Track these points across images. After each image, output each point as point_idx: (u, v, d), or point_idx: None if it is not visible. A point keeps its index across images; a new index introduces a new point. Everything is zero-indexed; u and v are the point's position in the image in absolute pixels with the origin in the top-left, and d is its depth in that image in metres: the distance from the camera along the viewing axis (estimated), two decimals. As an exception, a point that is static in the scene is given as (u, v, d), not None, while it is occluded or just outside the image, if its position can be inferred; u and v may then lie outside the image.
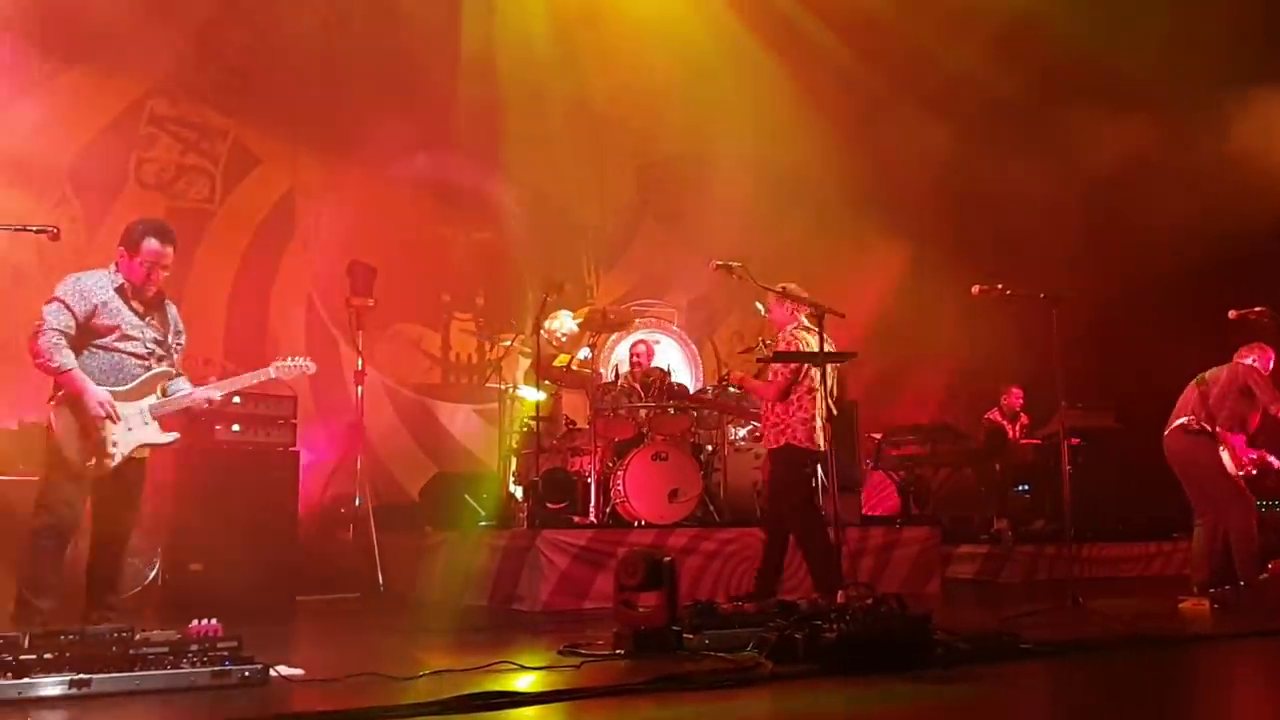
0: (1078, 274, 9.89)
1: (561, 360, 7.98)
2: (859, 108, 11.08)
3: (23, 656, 4.18)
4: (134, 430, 5.39)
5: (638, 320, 9.34)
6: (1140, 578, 9.93)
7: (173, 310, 5.70)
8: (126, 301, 5.43)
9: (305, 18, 10.08)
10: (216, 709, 3.95)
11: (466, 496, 8.86)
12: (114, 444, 5.32)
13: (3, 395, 8.13)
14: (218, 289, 9.88)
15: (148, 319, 5.52)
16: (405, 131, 10.50)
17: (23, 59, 9.08)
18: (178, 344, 5.67)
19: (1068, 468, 7.31)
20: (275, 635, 6.22)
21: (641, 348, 8.99)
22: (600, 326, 8.48)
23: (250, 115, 10.09)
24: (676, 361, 9.60)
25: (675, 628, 5.31)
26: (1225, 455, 7.34)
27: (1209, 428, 7.36)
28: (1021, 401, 10.85)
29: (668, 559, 5.39)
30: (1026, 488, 10.55)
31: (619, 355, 9.33)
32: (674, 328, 9.91)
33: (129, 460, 5.43)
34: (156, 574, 7.88)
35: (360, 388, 9.25)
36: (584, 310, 8.66)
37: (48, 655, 4.23)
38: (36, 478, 5.63)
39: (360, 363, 9.25)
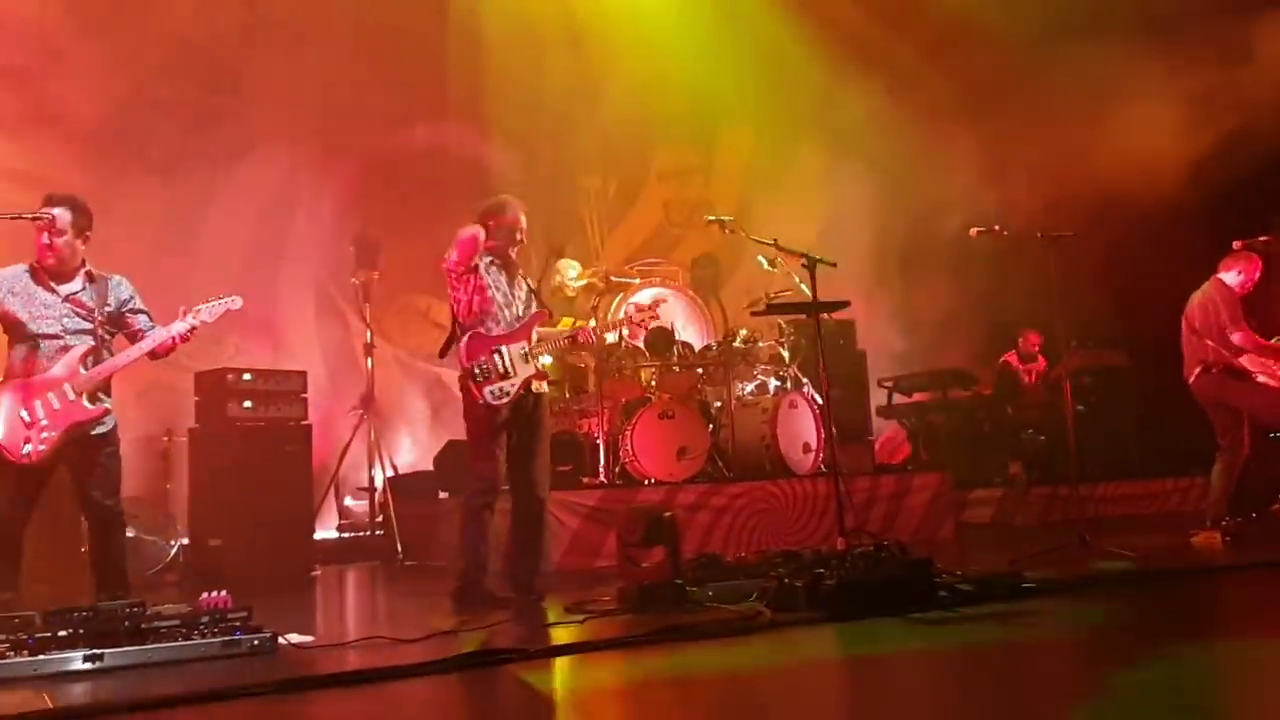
0: (1084, 209, 9.84)
1: (565, 324, 7.99)
2: (860, 52, 10.99)
3: (38, 634, 4.30)
4: (61, 409, 5.21)
5: (641, 280, 9.33)
6: (1157, 514, 9.95)
7: (115, 281, 5.51)
8: (39, 281, 5.32)
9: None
10: (225, 677, 4.03)
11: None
12: (44, 426, 5.18)
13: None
14: (226, 267, 9.93)
15: (68, 294, 5.35)
16: (403, 103, 10.55)
17: (22, 49, 9.14)
18: (120, 313, 5.46)
19: (1077, 407, 7.32)
20: (291, 605, 6.36)
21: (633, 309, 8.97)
22: (604, 290, 8.49)
23: (249, 95, 10.11)
24: (684, 318, 9.61)
25: (679, 581, 5.39)
26: (1262, 377, 7.29)
27: (1233, 364, 7.32)
28: (1039, 345, 10.79)
29: (668, 514, 5.45)
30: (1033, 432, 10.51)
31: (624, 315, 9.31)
32: (679, 285, 9.91)
33: (72, 440, 5.25)
34: (178, 550, 8.03)
35: (370, 360, 9.34)
36: (585, 274, 8.66)
37: (62, 632, 4.34)
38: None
39: (369, 335, 9.33)
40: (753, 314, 7.72)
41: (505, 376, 5.82)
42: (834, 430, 8.68)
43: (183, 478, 8.24)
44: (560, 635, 4.70)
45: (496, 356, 5.82)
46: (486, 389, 5.77)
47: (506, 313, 5.94)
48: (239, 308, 5.59)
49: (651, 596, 5.28)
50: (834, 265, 5.92)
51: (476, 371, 5.78)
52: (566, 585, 6.43)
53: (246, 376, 8.01)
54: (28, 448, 5.16)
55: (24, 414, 5.17)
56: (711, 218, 6.61)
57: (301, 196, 10.36)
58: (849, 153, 11.44)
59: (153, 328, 5.50)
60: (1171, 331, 7.81)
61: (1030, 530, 9.23)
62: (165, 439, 8.54)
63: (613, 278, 8.30)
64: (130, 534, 7.74)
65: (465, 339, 5.83)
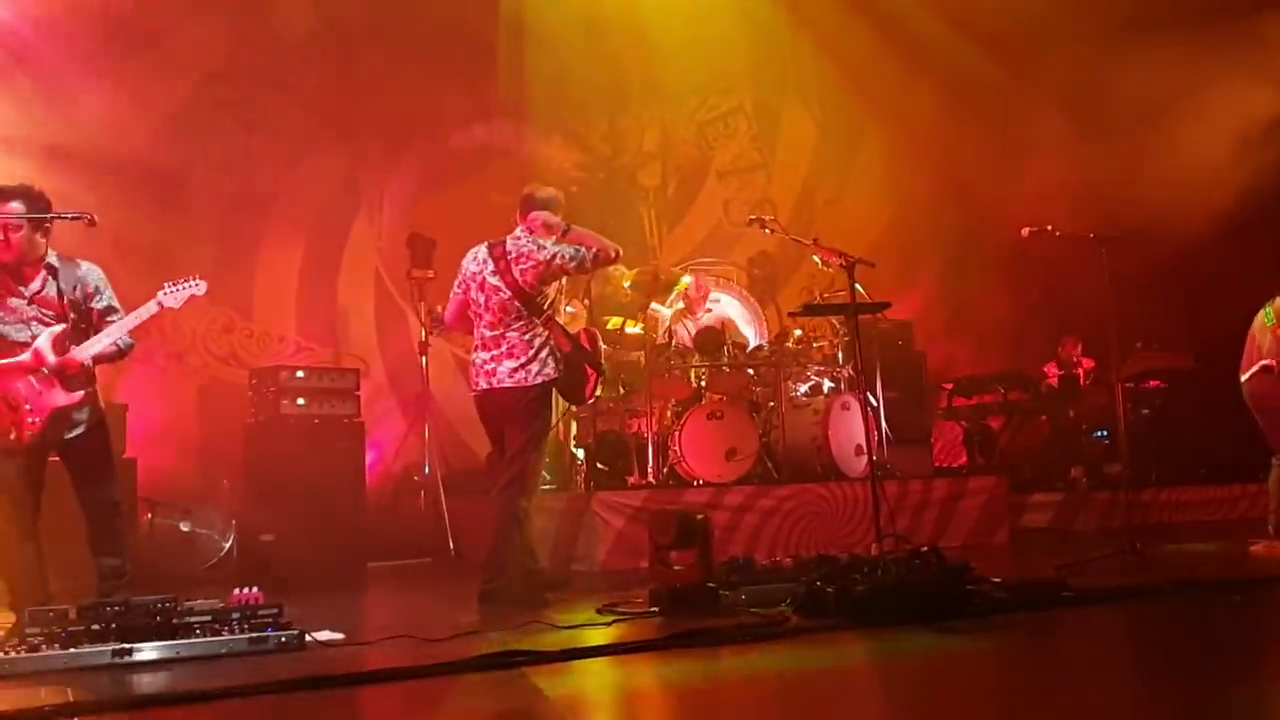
0: (1152, 211, 9.61)
1: (614, 323, 8.01)
2: (918, 50, 10.85)
3: (71, 628, 4.40)
4: (44, 395, 5.19)
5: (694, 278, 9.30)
6: (1222, 521, 9.65)
7: (84, 270, 5.44)
8: (1, 284, 5.26)
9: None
10: (248, 673, 4.09)
11: (531, 460, 8.96)
12: (29, 411, 5.17)
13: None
14: (287, 267, 10.12)
15: (32, 294, 5.29)
16: (463, 102, 10.63)
17: (90, 50, 9.37)
18: (88, 308, 5.40)
19: (1141, 410, 7.14)
20: (334, 601, 6.43)
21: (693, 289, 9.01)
22: (651, 289, 8.46)
23: (310, 94, 10.26)
24: (738, 318, 9.57)
25: (711, 585, 5.35)
26: None
27: None
28: (1079, 351, 10.56)
29: (700, 517, 5.41)
30: (1105, 433, 10.27)
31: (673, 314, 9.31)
32: (734, 284, 9.86)
33: (58, 428, 5.26)
34: (231, 545, 8.18)
35: (425, 358, 9.43)
36: (633, 273, 8.64)
37: (95, 626, 4.44)
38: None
39: (424, 333, 9.42)
40: (789, 315, 7.64)
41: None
42: (886, 432, 8.66)
43: (238, 473, 8.38)
44: (586, 637, 4.69)
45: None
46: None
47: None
48: (203, 293, 5.50)
49: (682, 599, 5.25)
50: (873, 265, 5.83)
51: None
52: (609, 586, 6.42)
53: (300, 374, 8.13)
54: (13, 433, 5.16)
55: (10, 398, 5.16)
56: (753, 217, 6.56)
57: (361, 195, 10.50)
58: (913, 152, 11.28)
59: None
60: (1242, 335, 7.59)
61: (1089, 536, 9.02)
62: (223, 436, 8.67)
63: (661, 277, 8.23)
64: (185, 529, 8.02)
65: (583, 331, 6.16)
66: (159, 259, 7.08)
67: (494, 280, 6.05)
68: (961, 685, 3.87)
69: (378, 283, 10.61)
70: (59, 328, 5.28)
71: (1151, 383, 10.15)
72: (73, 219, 5.21)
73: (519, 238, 6.09)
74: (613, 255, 6.08)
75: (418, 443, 9.52)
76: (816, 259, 8.45)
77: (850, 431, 8.44)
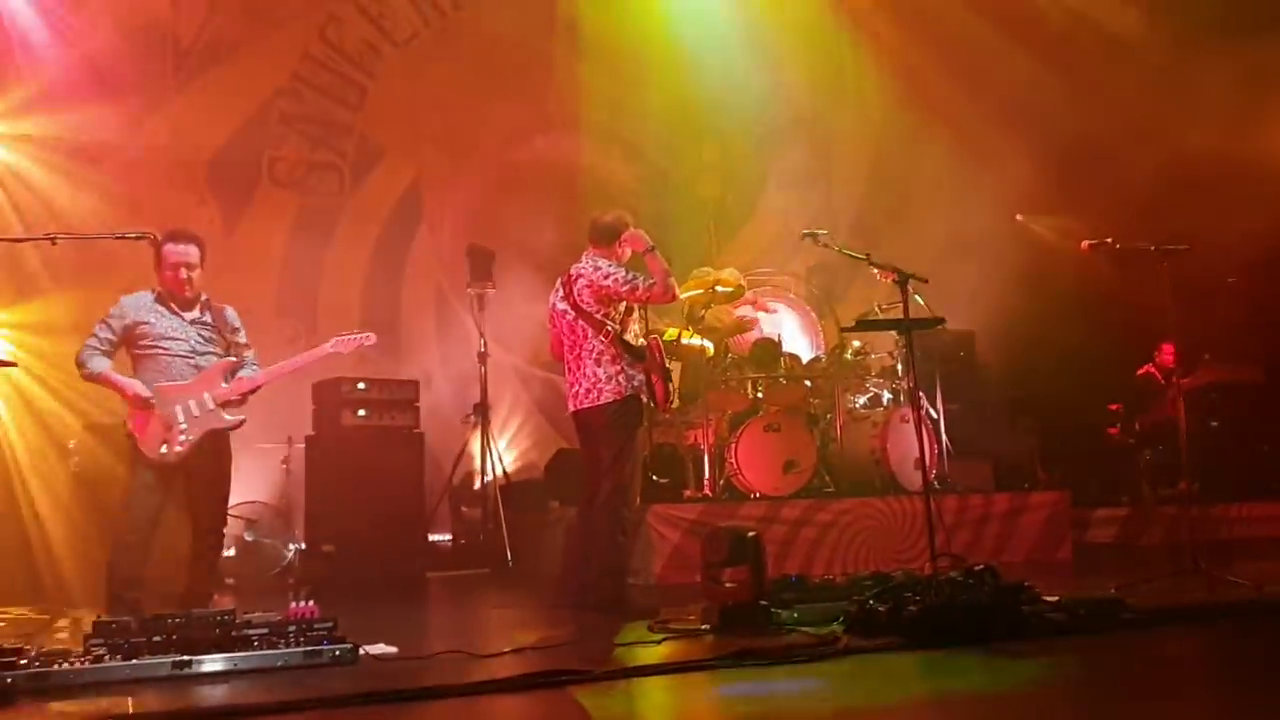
0: (1223, 224, 9.41)
1: (670, 334, 8.00)
2: (975, 60, 10.73)
3: (132, 639, 4.51)
4: (200, 416, 5.70)
5: (753, 290, 9.27)
6: (1292, 538, 9.42)
7: (229, 312, 6.02)
8: (166, 307, 5.79)
9: (422, 8, 10.40)
10: (302, 687, 4.16)
11: (589, 471, 8.99)
12: (183, 431, 5.66)
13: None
14: (351, 279, 10.29)
15: (193, 320, 5.85)
16: (523, 115, 10.75)
17: (160, 67, 9.61)
18: (232, 341, 5.96)
19: (1210, 423, 6.98)
20: (392, 613, 6.50)
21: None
22: (708, 300, 8.44)
23: (374, 109, 10.43)
24: (794, 329, 9.52)
25: (763, 602, 5.33)
26: None
27: None
28: (1175, 354, 10.31)
29: (752, 534, 5.40)
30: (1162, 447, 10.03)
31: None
32: (791, 295, 9.81)
33: (203, 446, 5.72)
34: (294, 555, 8.31)
35: (484, 368, 9.51)
36: (690, 284, 8.62)
37: (156, 638, 4.54)
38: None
39: (483, 344, 9.50)
40: (843, 330, 7.60)
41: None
42: (947, 445, 8.57)
43: (300, 484, 8.52)
44: (636, 655, 4.70)
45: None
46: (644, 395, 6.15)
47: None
48: (371, 344, 6.12)
49: (733, 617, 5.23)
50: (925, 281, 5.79)
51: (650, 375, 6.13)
52: (664, 600, 6.43)
53: (361, 385, 8.26)
54: (164, 448, 5.62)
55: (166, 417, 5.64)
56: (806, 231, 6.53)
57: (424, 208, 10.63)
58: (974, 163, 11.15)
59: (254, 365, 5.98)
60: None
61: (1154, 551, 8.85)
62: (285, 447, 8.81)
63: (718, 288, 8.21)
64: (249, 538, 8.16)
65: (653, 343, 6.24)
66: (225, 273, 7.24)
67: (561, 305, 6.31)
68: (1019, 716, 3.80)
69: (438, 294, 10.73)
70: (230, 359, 5.86)
71: (1218, 395, 9.93)
72: (136, 239, 5.43)
73: (582, 262, 6.27)
74: (667, 297, 6.17)
75: (476, 453, 9.59)
76: (875, 271, 8.42)
77: (910, 444, 8.33)
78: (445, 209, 10.71)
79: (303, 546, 8.33)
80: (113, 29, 9.17)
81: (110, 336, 5.72)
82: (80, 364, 5.70)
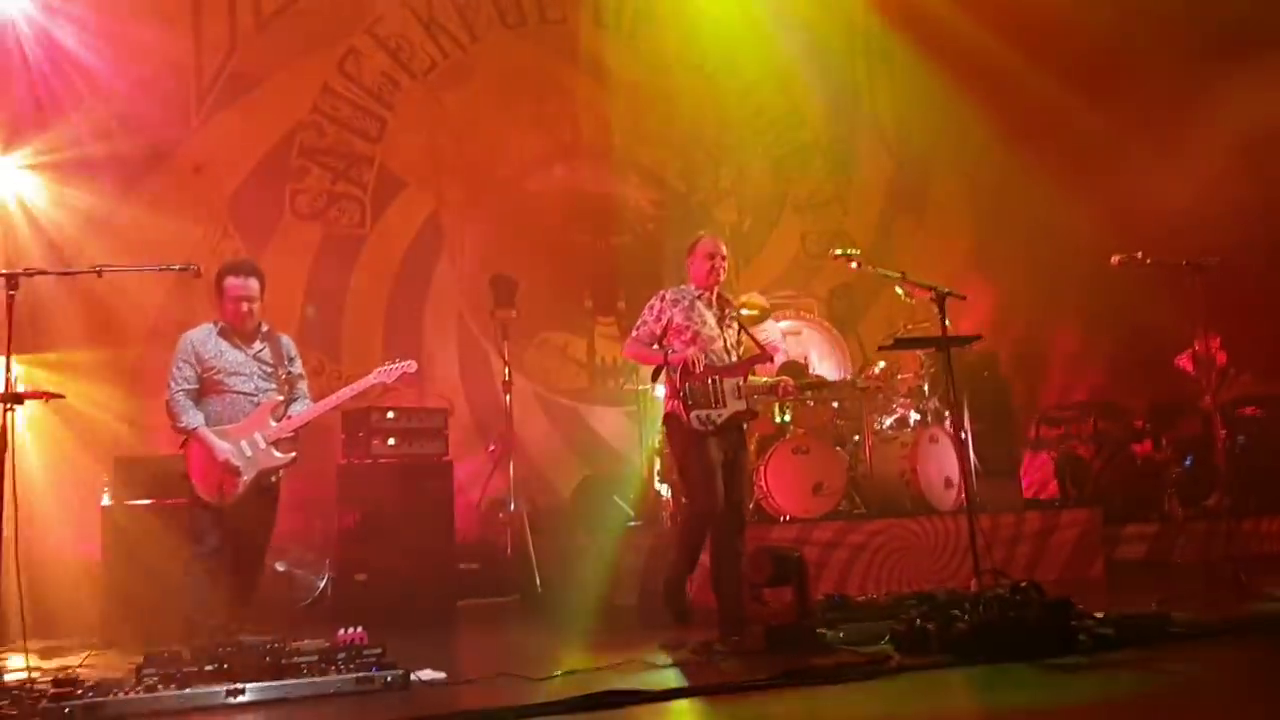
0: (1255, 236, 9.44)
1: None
2: (994, 78, 10.78)
3: (185, 668, 4.51)
4: (253, 457, 5.77)
5: (775, 312, 9.29)
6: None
7: (285, 341, 6.10)
8: (229, 340, 5.86)
9: (439, 39, 10.49)
10: (357, 714, 4.15)
11: (615, 498, 9.01)
12: (239, 474, 5.72)
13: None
14: (374, 309, 10.29)
15: (254, 353, 5.92)
16: (541, 144, 10.80)
17: (183, 103, 9.68)
18: (288, 371, 6.02)
19: (1238, 437, 6.96)
20: (431, 640, 6.49)
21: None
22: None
23: (394, 141, 10.48)
24: (820, 351, 9.53)
25: (808, 622, 5.33)
26: None
27: None
28: (1218, 344, 10.04)
29: (795, 554, 5.40)
30: (1190, 461, 9.97)
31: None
32: (815, 317, 9.82)
33: (256, 485, 5.79)
34: (326, 585, 8.30)
35: (508, 396, 9.52)
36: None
37: (208, 667, 4.54)
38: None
39: (507, 372, 9.51)
40: (880, 349, 7.61)
41: (715, 405, 6.02)
42: (976, 464, 8.55)
43: (331, 514, 8.50)
44: (689, 676, 4.69)
45: (710, 384, 6.03)
46: (694, 413, 5.99)
47: (714, 345, 6.27)
48: (414, 371, 6.29)
49: (779, 638, 5.23)
50: (963, 298, 5.81)
51: (687, 393, 6.01)
52: (699, 622, 6.40)
53: (390, 414, 8.24)
54: (219, 492, 5.68)
55: (220, 459, 5.68)
56: (838, 251, 6.55)
57: (445, 237, 10.66)
58: (992, 183, 11.20)
59: (305, 398, 6.09)
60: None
61: (1187, 568, 8.82)
62: (316, 476, 8.79)
63: (744, 311, 8.23)
64: (281, 568, 8.14)
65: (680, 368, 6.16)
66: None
67: None
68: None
69: (460, 323, 10.74)
70: (276, 399, 5.89)
71: (1248, 409, 9.90)
72: (180, 271, 5.46)
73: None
74: (659, 359, 6.25)
75: (502, 481, 9.58)
76: (900, 290, 8.44)
77: (939, 464, 8.35)
78: (465, 238, 10.73)
79: (333, 576, 8.30)
80: (136, 67, 9.24)
81: (191, 375, 5.79)
82: (173, 415, 5.77)
